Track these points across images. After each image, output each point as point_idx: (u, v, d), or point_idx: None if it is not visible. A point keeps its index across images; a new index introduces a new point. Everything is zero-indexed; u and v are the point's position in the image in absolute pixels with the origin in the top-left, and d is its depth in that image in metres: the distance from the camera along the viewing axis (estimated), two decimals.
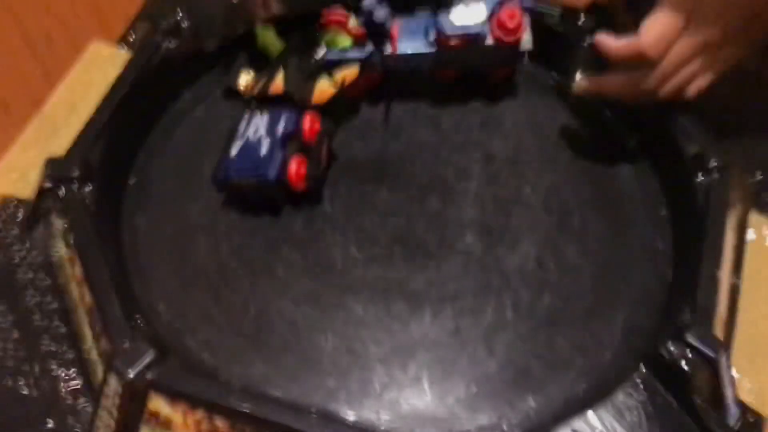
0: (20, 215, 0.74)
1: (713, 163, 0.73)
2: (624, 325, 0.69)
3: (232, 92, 0.84)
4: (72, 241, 0.67)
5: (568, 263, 0.73)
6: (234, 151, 0.75)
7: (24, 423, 0.63)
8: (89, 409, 0.63)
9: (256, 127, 0.76)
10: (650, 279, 0.72)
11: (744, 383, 0.66)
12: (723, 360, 0.62)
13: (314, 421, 0.58)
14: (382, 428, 0.63)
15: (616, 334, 0.69)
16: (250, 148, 0.74)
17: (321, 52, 0.80)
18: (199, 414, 0.59)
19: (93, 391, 0.64)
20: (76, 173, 0.71)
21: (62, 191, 0.70)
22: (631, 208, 0.77)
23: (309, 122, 0.76)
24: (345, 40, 0.81)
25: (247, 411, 0.58)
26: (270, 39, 0.83)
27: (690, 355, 0.61)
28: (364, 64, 0.80)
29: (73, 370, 0.65)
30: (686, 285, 0.68)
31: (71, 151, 0.73)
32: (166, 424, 0.60)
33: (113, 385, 0.60)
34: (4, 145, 0.79)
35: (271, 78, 0.79)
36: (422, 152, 0.81)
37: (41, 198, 0.72)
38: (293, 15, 0.82)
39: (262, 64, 0.83)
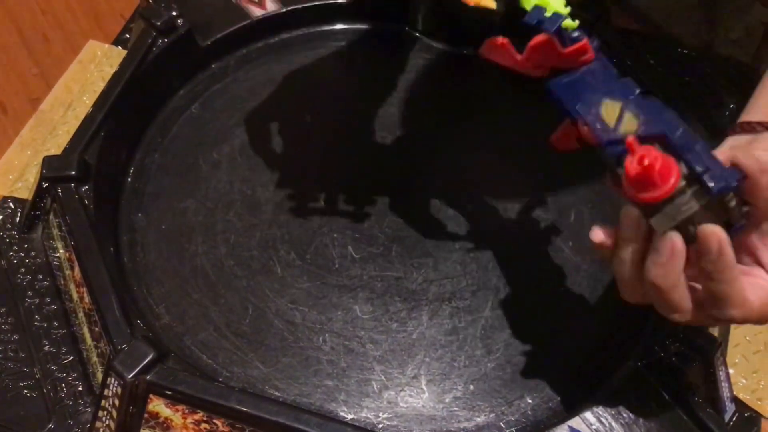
0: (18, 216, 0.74)
1: None
2: (620, 322, 0.69)
3: None
4: (70, 242, 0.67)
5: (564, 261, 0.73)
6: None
7: (24, 425, 0.63)
8: (89, 411, 0.63)
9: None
10: None
11: (739, 380, 0.66)
12: (718, 357, 0.62)
13: (313, 420, 0.58)
14: (381, 427, 0.63)
15: (612, 331, 0.69)
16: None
17: None
18: (199, 415, 0.59)
19: (93, 392, 0.64)
20: (73, 172, 0.70)
21: (60, 191, 0.70)
22: (627, 203, 0.77)
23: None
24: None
25: (247, 411, 0.58)
26: None
27: (685, 352, 0.61)
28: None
29: (72, 371, 0.66)
30: None
31: (68, 150, 0.73)
32: (166, 425, 0.60)
33: (113, 386, 0.60)
34: (2, 146, 0.79)
35: None
36: (418, 151, 0.81)
37: (39, 198, 0.72)
38: None
39: None
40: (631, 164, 0.48)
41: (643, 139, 0.50)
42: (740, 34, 0.94)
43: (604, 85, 0.54)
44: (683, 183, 0.49)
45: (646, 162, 0.48)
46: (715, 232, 0.49)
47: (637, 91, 0.53)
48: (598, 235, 0.55)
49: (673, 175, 0.48)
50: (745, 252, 0.53)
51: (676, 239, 0.49)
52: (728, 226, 0.50)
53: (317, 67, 0.88)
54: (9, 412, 0.64)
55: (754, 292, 0.51)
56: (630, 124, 0.52)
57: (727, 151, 0.55)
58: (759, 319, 0.52)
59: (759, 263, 0.53)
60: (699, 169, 0.48)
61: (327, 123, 0.83)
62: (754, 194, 0.51)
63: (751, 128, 0.58)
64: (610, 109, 0.54)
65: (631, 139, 0.49)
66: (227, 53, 0.88)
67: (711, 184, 0.48)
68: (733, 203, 0.50)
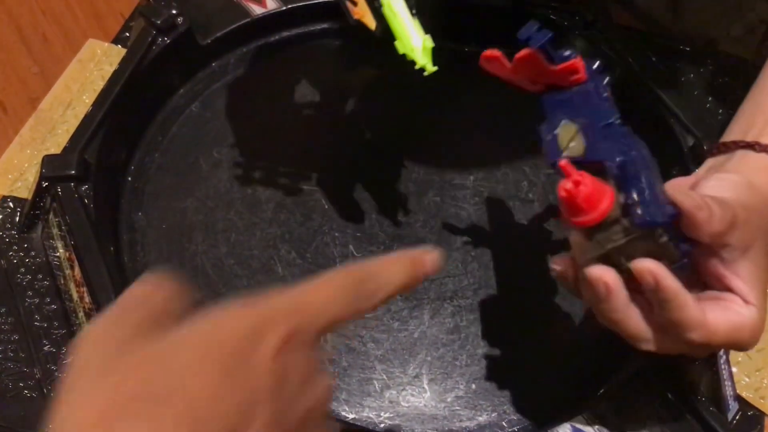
0: (18, 215, 0.74)
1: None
2: None
3: None
4: (70, 242, 0.67)
5: None
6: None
7: (24, 425, 0.63)
8: None
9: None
10: None
11: (742, 378, 0.66)
12: (721, 355, 0.62)
13: None
14: (382, 427, 0.63)
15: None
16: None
17: None
18: None
19: None
20: (73, 171, 0.70)
21: (60, 190, 0.70)
22: None
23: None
24: None
25: None
26: None
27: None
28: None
29: None
30: None
31: (68, 149, 0.73)
32: None
33: None
34: (1, 145, 0.79)
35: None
36: (419, 149, 0.80)
37: (39, 197, 0.72)
38: None
39: None
40: (562, 187, 0.49)
41: (586, 165, 0.51)
42: (741, 31, 0.94)
43: (587, 108, 0.54)
44: (617, 212, 0.49)
45: (568, 185, 0.48)
46: (646, 268, 0.49)
47: (611, 119, 0.52)
48: (558, 263, 0.56)
49: (603, 202, 0.49)
50: (713, 279, 0.53)
51: (606, 278, 0.50)
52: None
53: (318, 66, 0.88)
54: (9, 412, 0.63)
55: (721, 315, 0.51)
56: (577, 149, 0.52)
57: (702, 173, 0.58)
58: (726, 344, 0.53)
59: (728, 289, 0.53)
60: (629, 200, 0.49)
61: (328, 121, 0.83)
62: (693, 230, 0.50)
63: (727, 148, 0.59)
64: (566, 131, 0.54)
65: (563, 162, 0.50)
66: (227, 52, 0.88)
67: (636, 217, 0.48)
68: (664, 239, 0.50)
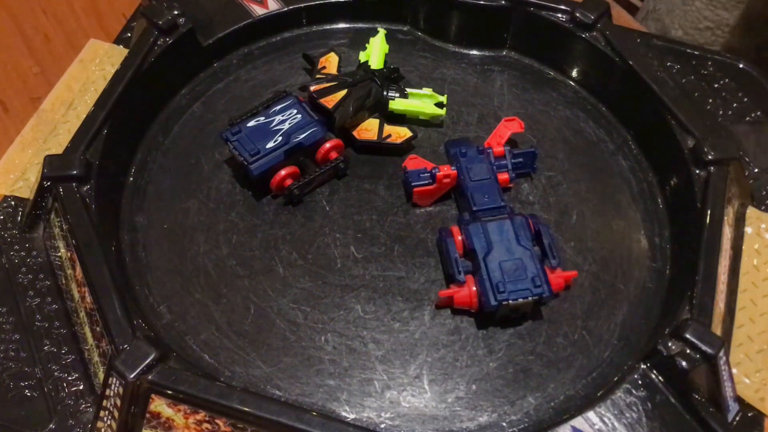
0: (19, 215, 0.74)
1: (711, 157, 0.73)
2: (622, 322, 0.69)
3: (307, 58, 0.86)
4: (72, 242, 0.67)
5: (566, 261, 0.73)
6: (252, 122, 0.76)
7: (25, 425, 0.63)
8: (90, 411, 0.63)
9: (286, 118, 0.76)
10: (648, 276, 0.72)
11: (742, 379, 0.66)
12: (721, 356, 0.62)
13: (315, 420, 0.58)
14: (383, 427, 0.63)
15: (614, 331, 0.69)
16: (263, 131, 0.75)
17: (391, 94, 0.81)
18: (201, 415, 0.59)
19: (94, 392, 0.64)
20: (75, 171, 0.70)
21: (61, 190, 0.70)
22: (629, 204, 0.77)
23: (327, 149, 0.76)
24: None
25: (248, 411, 0.58)
26: (379, 42, 0.85)
27: (688, 352, 0.61)
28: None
29: (74, 371, 0.66)
30: (684, 281, 0.68)
31: (70, 149, 0.73)
32: (168, 425, 0.60)
33: (114, 386, 0.60)
34: (3, 145, 0.79)
35: (331, 91, 0.78)
36: (420, 149, 0.80)
37: (40, 197, 0.72)
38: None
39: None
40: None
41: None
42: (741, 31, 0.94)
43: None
44: None
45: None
46: None
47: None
48: None
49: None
50: None
51: None
52: None
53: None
54: (10, 412, 0.63)
55: None
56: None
57: None
58: None
59: None
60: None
61: None
62: None
63: None
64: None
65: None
66: (229, 52, 0.88)
67: None
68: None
